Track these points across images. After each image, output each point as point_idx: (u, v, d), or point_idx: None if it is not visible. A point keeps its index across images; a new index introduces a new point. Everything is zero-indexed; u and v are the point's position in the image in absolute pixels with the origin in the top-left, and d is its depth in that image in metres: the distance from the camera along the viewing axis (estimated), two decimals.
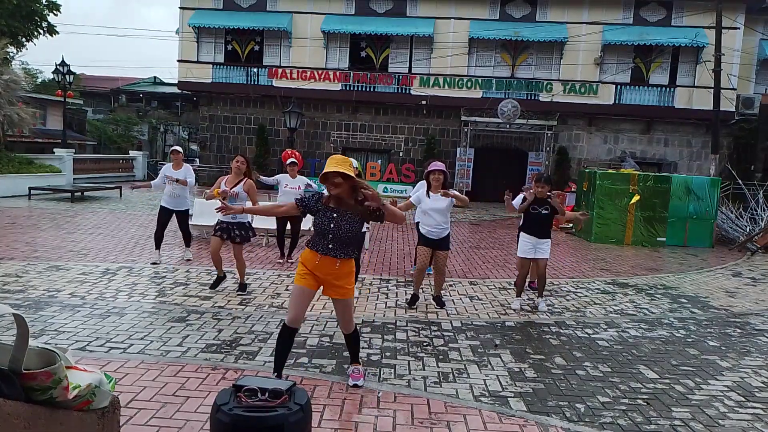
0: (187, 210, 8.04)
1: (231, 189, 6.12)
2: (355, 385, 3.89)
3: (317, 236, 3.70)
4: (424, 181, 6.21)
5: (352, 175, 3.55)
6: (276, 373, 3.78)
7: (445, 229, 5.98)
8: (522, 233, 6.39)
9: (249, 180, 6.27)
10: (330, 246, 3.63)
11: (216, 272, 6.49)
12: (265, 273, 7.54)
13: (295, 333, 3.80)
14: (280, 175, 8.43)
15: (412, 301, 6.19)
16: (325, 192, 3.77)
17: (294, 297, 3.74)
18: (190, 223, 9.36)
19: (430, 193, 5.96)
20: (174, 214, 7.85)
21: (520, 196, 6.59)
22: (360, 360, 4.05)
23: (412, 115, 22.05)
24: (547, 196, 6.21)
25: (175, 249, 8.68)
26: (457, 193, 5.90)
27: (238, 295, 6.29)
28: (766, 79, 21.27)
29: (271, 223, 8.96)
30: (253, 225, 9.75)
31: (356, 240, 3.77)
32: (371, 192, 3.51)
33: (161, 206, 7.86)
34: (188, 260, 8.01)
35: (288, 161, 8.35)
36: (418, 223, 6.55)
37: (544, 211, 6.22)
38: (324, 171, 3.56)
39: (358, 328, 5.31)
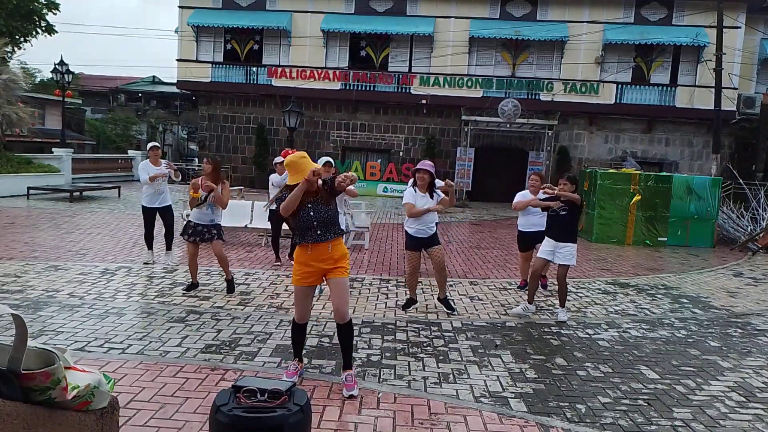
0: (170, 206, 7.83)
1: (209, 194, 6.06)
2: (351, 396, 3.72)
3: (302, 231, 3.85)
4: (412, 180, 6.12)
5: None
6: (297, 358, 4.08)
7: (433, 227, 5.89)
8: (545, 236, 6.09)
9: (225, 182, 6.20)
10: (318, 232, 3.80)
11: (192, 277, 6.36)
12: (264, 273, 7.53)
13: (306, 326, 4.06)
14: (272, 176, 8.31)
15: (408, 305, 6.04)
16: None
17: (297, 297, 3.96)
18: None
19: (417, 191, 5.81)
20: (157, 212, 7.69)
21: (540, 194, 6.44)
22: (353, 364, 4.00)
23: (412, 115, 22.02)
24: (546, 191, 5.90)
25: (174, 249, 8.64)
26: (436, 206, 5.75)
27: (228, 294, 6.23)
28: (767, 78, 21.26)
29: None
30: (254, 225, 9.83)
31: (336, 216, 3.95)
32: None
33: (143, 206, 7.70)
34: (171, 264, 7.73)
35: (276, 160, 8.17)
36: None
37: (561, 212, 5.84)
38: (298, 174, 3.72)
39: (355, 331, 5.30)
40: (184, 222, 9.24)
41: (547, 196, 6.02)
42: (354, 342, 4.12)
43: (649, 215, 12.38)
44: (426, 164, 5.84)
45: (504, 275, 8.25)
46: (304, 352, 4.23)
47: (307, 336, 4.09)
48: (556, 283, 6.23)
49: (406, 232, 6.07)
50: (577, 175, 15.61)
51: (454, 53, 20.99)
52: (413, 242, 5.96)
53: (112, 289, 6.24)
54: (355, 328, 5.26)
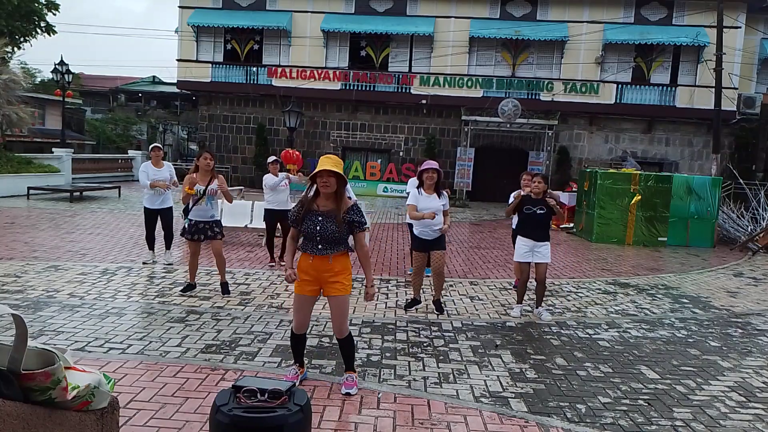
0: (171, 207, 7.82)
1: (207, 187, 6.03)
2: (347, 393, 3.79)
3: (306, 240, 3.79)
4: (415, 180, 6.09)
5: (344, 177, 3.76)
6: (297, 363, 4.02)
7: (437, 230, 5.82)
8: (518, 236, 6.12)
9: (220, 176, 6.22)
10: (320, 246, 3.73)
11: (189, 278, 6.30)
12: (264, 273, 7.53)
13: (304, 336, 3.99)
14: (265, 176, 8.05)
15: (411, 305, 6.03)
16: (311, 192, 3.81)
17: (296, 305, 3.89)
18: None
19: (423, 192, 5.81)
20: (158, 213, 7.69)
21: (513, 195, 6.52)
22: (355, 368, 3.99)
23: (413, 115, 22.02)
24: (543, 195, 5.91)
25: (174, 249, 8.64)
26: (444, 227, 5.79)
27: (225, 295, 6.21)
28: (767, 78, 21.25)
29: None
30: (253, 225, 9.82)
31: (344, 238, 3.84)
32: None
33: (145, 207, 7.72)
34: (170, 264, 7.73)
35: (269, 159, 8.05)
36: (410, 224, 6.36)
37: (539, 211, 5.87)
38: (318, 169, 3.65)
39: (355, 331, 5.30)
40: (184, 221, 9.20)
41: (515, 199, 6.18)
42: (355, 342, 4.11)
43: (649, 215, 12.38)
44: (433, 164, 5.87)
45: (504, 275, 8.24)
46: (304, 351, 4.22)
47: (306, 338, 4.06)
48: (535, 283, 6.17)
49: (411, 231, 6.07)
50: (576, 175, 15.62)
51: (454, 53, 20.98)
52: (418, 243, 5.96)
53: (112, 289, 6.23)
54: (355, 328, 5.29)
